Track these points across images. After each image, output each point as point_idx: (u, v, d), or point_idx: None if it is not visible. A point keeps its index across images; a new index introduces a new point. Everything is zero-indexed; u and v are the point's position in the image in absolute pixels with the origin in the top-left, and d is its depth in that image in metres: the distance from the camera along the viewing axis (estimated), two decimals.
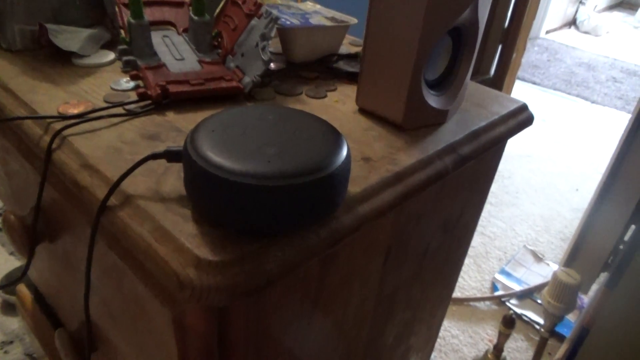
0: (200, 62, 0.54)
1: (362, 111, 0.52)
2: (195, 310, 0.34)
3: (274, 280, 0.32)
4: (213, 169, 0.30)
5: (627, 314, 0.84)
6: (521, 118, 0.57)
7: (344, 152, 0.33)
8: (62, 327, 0.64)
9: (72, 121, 0.42)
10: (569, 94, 3.02)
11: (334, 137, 0.34)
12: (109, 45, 0.60)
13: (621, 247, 1.30)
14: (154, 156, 0.35)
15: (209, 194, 0.30)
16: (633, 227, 1.26)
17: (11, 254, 1.35)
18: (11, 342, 1.13)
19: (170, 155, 0.35)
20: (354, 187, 0.39)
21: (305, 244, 0.34)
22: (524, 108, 0.58)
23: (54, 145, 0.41)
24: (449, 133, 0.49)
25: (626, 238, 1.29)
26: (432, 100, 0.49)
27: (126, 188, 0.35)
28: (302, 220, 0.32)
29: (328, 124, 0.36)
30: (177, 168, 0.38)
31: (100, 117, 0.43)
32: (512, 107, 0.57)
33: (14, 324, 1.17)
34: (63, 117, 0.43)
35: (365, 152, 0.44)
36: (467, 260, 1.56)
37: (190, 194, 0.32)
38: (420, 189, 0.43)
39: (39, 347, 0.89)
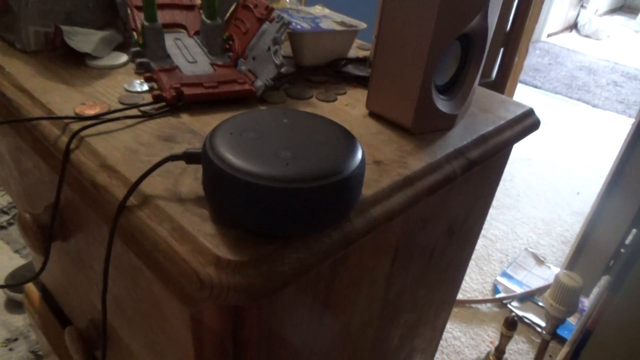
0: (212, 65, 0.54)
1: (372, 115, 0.52)
2: (210, 310, 0.35)
3: (289, 281, 0.33)
4: (233, 171, 0.30)
5: (630, 318, 0.85)
6: (527, 123, 0.58)
7: (359, 155, 0.34)
8: (72, 325, 0.65)
9: (90, 122, 0.43)
10: (570, 97, 3.03)
11: (349, 140, 0.35)
12: (120, 48, 0.61)
13: (622, 250, 1.31)
14: (173, 157, 0.35)
15: (229, 196, 0.31)
16: (634, 231, 1.27)
17: (16, 252, 1.36)
18: (16, 340, 1.14)
19: (189, 157, 0.35)
20: (366, 190, 0.40)
21: (319, 247, 0.34)
22: (530, 113, 0.59)
23: (71, 146, 0.41)
24: (457, 137, 0.50)
25: (627, 242, 1.30)
26: (441, 104, 0.50)
27: (144, 188, 0.36)
28: (318, 223, 0.32)
29: (342, 128, 0.37)
30: (194, 169, 0.39)
31: (117, 118, 0.44)
32: (519, 111, 0.58)
33: (18, 321, 1.18)
34: (81, 117, 0.44)
35: (376, 156, 0.45)
36: None
37: (209, 195, 0.33)
38: (429, 193, 0.44)
39: (44, 344, 0.89)
